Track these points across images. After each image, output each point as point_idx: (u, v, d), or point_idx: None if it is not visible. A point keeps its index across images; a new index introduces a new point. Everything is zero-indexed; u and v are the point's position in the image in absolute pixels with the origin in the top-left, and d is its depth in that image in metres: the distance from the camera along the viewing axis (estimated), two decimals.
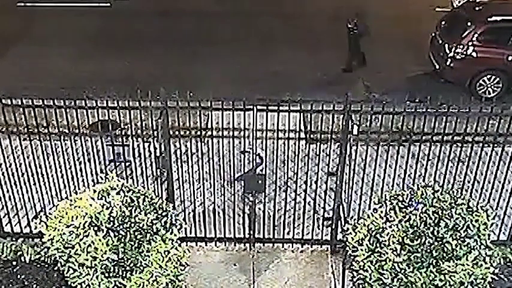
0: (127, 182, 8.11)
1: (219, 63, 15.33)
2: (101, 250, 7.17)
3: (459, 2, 16.73)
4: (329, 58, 15.55)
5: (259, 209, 9.55)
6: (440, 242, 7.27)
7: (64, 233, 7.35)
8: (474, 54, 14.04)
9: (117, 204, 7.46)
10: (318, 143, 9.04)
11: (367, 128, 8.59)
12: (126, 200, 7.54)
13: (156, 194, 8.50)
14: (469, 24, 14.17)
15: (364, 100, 9.18)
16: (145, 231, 7.45)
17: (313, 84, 14.38)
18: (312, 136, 9.13)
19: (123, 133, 8.99)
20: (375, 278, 7.51)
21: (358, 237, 7.74)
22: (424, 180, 8.64)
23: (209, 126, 9.01)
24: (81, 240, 7.27)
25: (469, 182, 9.20)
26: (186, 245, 9.12)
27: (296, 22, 16.51)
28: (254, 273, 9.12)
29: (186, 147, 9.73)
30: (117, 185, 7.76)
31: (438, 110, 8.58)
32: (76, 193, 8.01)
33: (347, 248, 8.03)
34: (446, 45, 14.33)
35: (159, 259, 7.47)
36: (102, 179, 7.97)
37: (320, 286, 8.98)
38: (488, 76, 14.03)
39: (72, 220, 7.38)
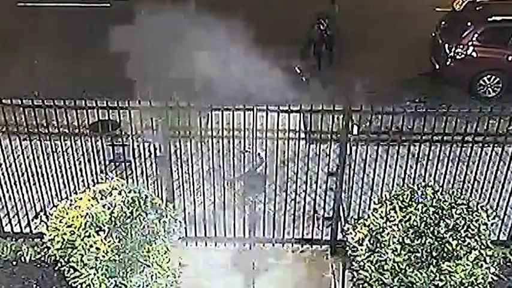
0: (127, 182, 8.11)
1: (219, 63, 15.29)
2: (102, 250, 7.17)
3: (461, 4, 16.68)
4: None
5: (259, 209, 9.55)
6: (440, 242, 7.28)
7: (65, 233, 7.36)
8: (474, 54, 14.03)
9: (118, 205, 7.47)
10: (318, 143, 9.04)
11: (367, 128, 8.59)
12: (127, 200, 7.54)
13: (156, 194, 8.51)
14: (469, 24, 14.17)
15: (364, 100, 9.16)
16: (146, 231, 7.46)
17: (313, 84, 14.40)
18: (312, 136, 9.13)
19: (123, 133, 8.99)
20: (375, 278, 7.52)
21: (358, 237, 7.75)
22: (424, 180, 8.64)
23: (209, 126, 9.00)
24: (82, 240, 7.27)
25: (469, 182, 9.19)
26: (186, 245, 9.13)
27: (295, 22, 16.48)
28: (254, 273, 9.11)
29: (186, 147, 9.73)
30: (118, 185, 7.76)
31: (438, 110, 8.58)
32: (76, 193, 8.01)
33: (347, 248, 8.03)
34: (446, 45, 14.32)
35: (160, 259, 7.47)
36: (102, 179, 7.97)
37: (320, 286, 8.98)
38: (488, 76, 14.02)
39: (73, 220, 7.39)
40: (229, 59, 11.55)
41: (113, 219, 7.35)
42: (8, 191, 9.35)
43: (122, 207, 7.44)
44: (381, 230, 7.52)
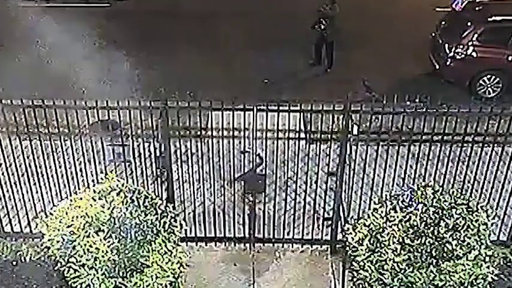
0: (127, 182, 8.11)
1: (219, 63, 15.34)
2: (102, 251, 7.17)
3: (462, 4, 16.69)
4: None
5: (259, 209, 9.55)
6: (440, 242, 7.28)
7: (65, 234, 7.36)
8: (474, 54, 14.04)
9: (118, 205, 7.47)
10: (318, 143, 9.05)
11: (367, 128, 8.59)
12: (127, 200, 7.54)
13: (156, 194, 8.51)
14: (469, 24, 14.17)
15: (364, 100, 9.19)
16: (146, 231, 7.46)
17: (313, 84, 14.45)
18: (312, 136, 9.14)
19: (123, 133, 9.00)
20: (375, 278, 7.52)
21: (358, 237, 7.75)
22: (424, 180, 8.64)
23: (209, 126, 9.01)
24: (82, 240, 7.27)
25: (469, 182, 9.19)
26: (186, 245, 9.13)
27: (295, 22, 16.51)
28: (254, 273, 9.12)
29: (186, 147, 9.73)
30: (118, 186, 7.76)
31: (438, 110, 8.59)
32: (76, 193, 8.01)
33: (347, 248, 8.03)
34: (446, 45, 14.33)
35: (160, 259, 7.48)
36: (102, 179, 7.97)
37: (320, 286, 8.98)
38: (488, 76, 14.03)
39: (73, 220, 7.39)
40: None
41: (112, 219, 7.34)
42: (8, 191, 9.35)
43: (121, 207, 7.44)
44: (381, 230, 7.53)
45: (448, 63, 14.28)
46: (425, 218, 7.38)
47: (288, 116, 8.69)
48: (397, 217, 7.46)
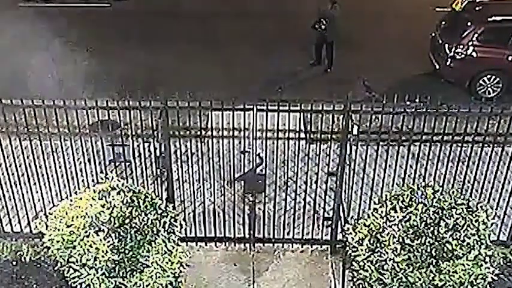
0: (127, 182, 8.11)
1: (219, 63, 15.34)
2: (102, 250, 7.17)
3: (462, 4, 16.71)
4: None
5: (259, 209, 9.55)
6: (440, 242, 7.27)
7: (64, 233, 7.36)
8: (474, 54, 14.03)
9: (118, 205, 7.46)
10: (318, 143, 9.05)
11: (367, 128, 8.59)
12: (127, 200, 7.54)
13: (156, 194, 8.51)
14: (469, 24, 14.17)
15: (364, 100, 9.21)
16: (146, 231, 7.46)
17: (313, 84, 14.44)
18: (312, 136, 9.14)
19: (123, 133, 9.00)
20: (375, 278, 7.52)
21: (358, 237, 7.75)
22: (424, 180, 8.65)
23: (209, 126, 9.01)
24: (81, 240, 7.27)
25: (469, 182, 9.20)
26: (186, 245, 9.13)
27: (295, 22, 16.52)
28: (254, 273, 9.12)
29: (186, 147, 9.74)
30: (117, 185, 7.76)
31: (438, 110, 8.59)
32: (76, 193, 8.01)
33: (347, 248, 8.03)
34: (446, 45, 14.33)
35: (160, 259, 7.48)
36: (102, 179, 7.98)
37: (320, 286, 8.98)
38: (488, 76, 14.03)
39: (73, 220, 7.39)
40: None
41: (112, 219, 7.34)
42: (8, 191, 9.35)
43: (121, 207, 7.43)
44: (381, 230, 7.52)
45: (448, 63, 14.28)
46: (425, 218, 7.38)
47: (288, 116, 8.69)
48: (397, 217, 7.46)
